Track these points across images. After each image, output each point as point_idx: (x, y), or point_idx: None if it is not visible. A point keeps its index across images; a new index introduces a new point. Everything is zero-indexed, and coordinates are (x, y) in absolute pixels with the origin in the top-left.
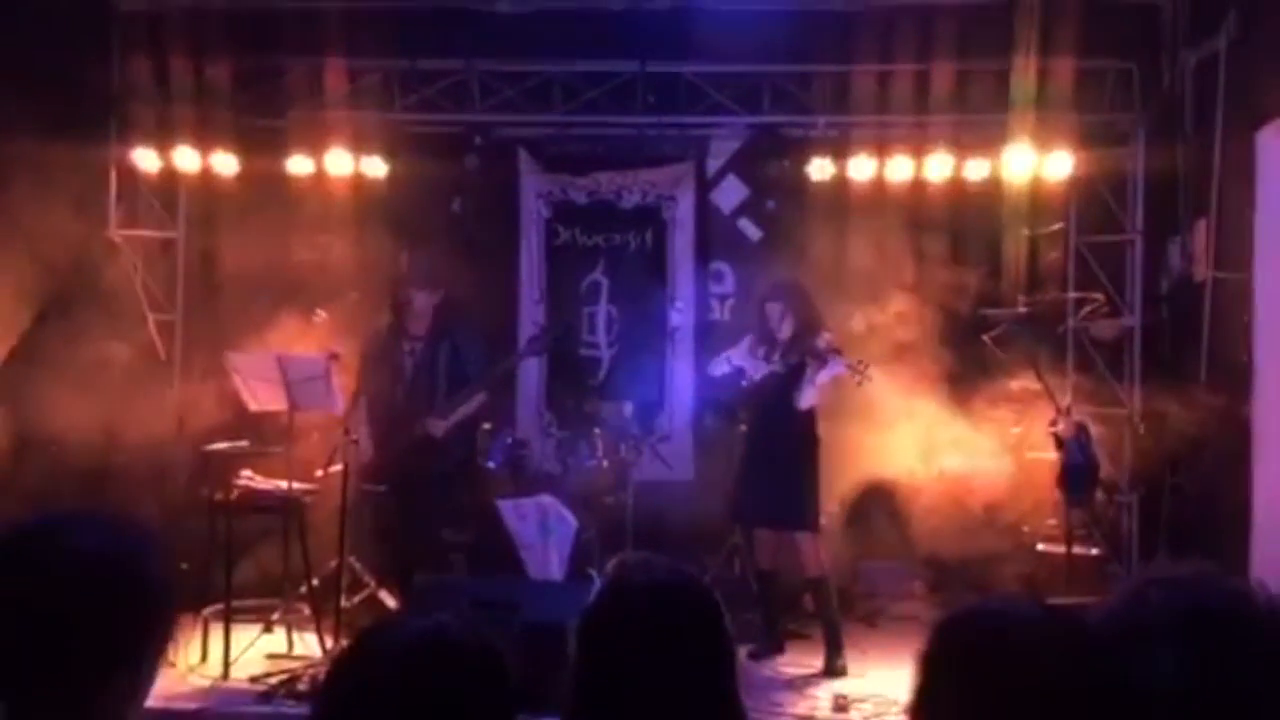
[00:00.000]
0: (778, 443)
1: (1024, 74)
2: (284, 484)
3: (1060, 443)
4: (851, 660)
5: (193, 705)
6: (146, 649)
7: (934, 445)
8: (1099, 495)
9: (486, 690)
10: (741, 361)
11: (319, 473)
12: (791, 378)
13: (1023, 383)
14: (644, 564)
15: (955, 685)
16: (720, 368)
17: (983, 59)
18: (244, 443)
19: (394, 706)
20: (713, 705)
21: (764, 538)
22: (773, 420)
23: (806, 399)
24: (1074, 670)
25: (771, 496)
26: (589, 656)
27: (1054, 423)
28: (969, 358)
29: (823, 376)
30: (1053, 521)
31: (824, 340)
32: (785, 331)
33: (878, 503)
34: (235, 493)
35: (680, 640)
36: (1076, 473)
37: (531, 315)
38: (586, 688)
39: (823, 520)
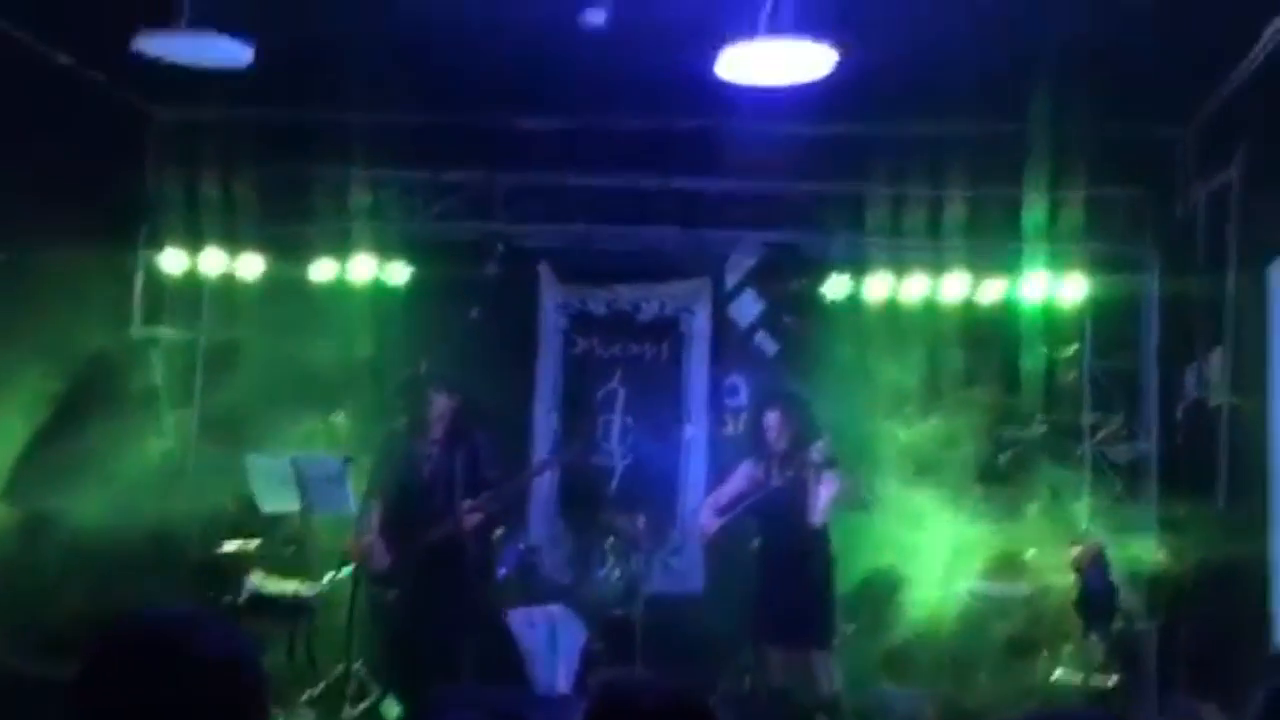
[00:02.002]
0: (793, 558)
1: (1036, 203)
2: (293, 586)
3: (1078, 567)
4: None
5: None
6: None
7: (950, 567)
8: (1118, 622)
9: None
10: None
11: (328, 576)
12: (797, 491)
13: (1040, 504)
14: (642, 684)
15: None
16: (710, 521)
17: (995, 186)
18: (255, 542)
19: None
20: None
21: (775, 655)
22: (785, 535)
23: (819, 513)
24: None
25: (787, 613)
26: None
27: (1072, 546)
28: (986, 478)
29: (822, 495)
30: (1070, 648)
31: (817, 450)
32: (782, 443)
33: (891, 623)
34: (244, 595)
35: None
36: (1095, 598)
37: (547, 423)
38: None
39: (835, 640)
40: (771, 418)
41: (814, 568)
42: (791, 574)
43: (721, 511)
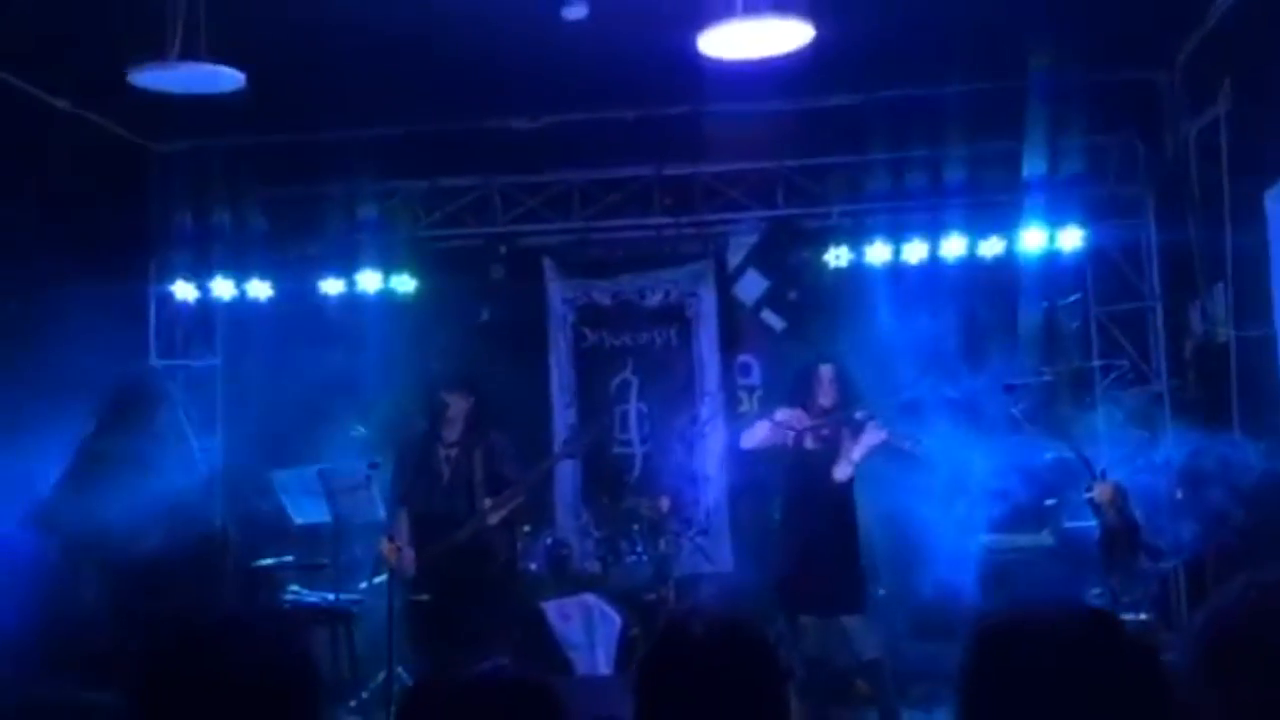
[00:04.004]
0: (820, 523)
1: (1028, 155)
2: (330, 596)
3: (1098, 509)
4: None
5: None
6: None
7: (972, 523)
8: (1143, 560)
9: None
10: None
11: (364, 584)
12: (827, 453)
13: (1056, 452)
14: (697, 611)
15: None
16: (751, 440)
17: (986, 142)
18: (289, 557)
19: None
20: None
21: (809, 624)
22: (812, 499)
23: (843, 471)
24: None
25: (819, 580)
26: (647, 704)
27: (1089, 489)
28: (998, 431)
29: (863, 445)
30: (1098, 591)
31: (862, 412)
32: (829, 399)
33: (922, 581)
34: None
35: (735, 682)
36: (1116, 538)
37: (564, 418)
38: None
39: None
40: (826, 371)
41: (839, 528)
42: (818, 539)
43: (761, 441)
